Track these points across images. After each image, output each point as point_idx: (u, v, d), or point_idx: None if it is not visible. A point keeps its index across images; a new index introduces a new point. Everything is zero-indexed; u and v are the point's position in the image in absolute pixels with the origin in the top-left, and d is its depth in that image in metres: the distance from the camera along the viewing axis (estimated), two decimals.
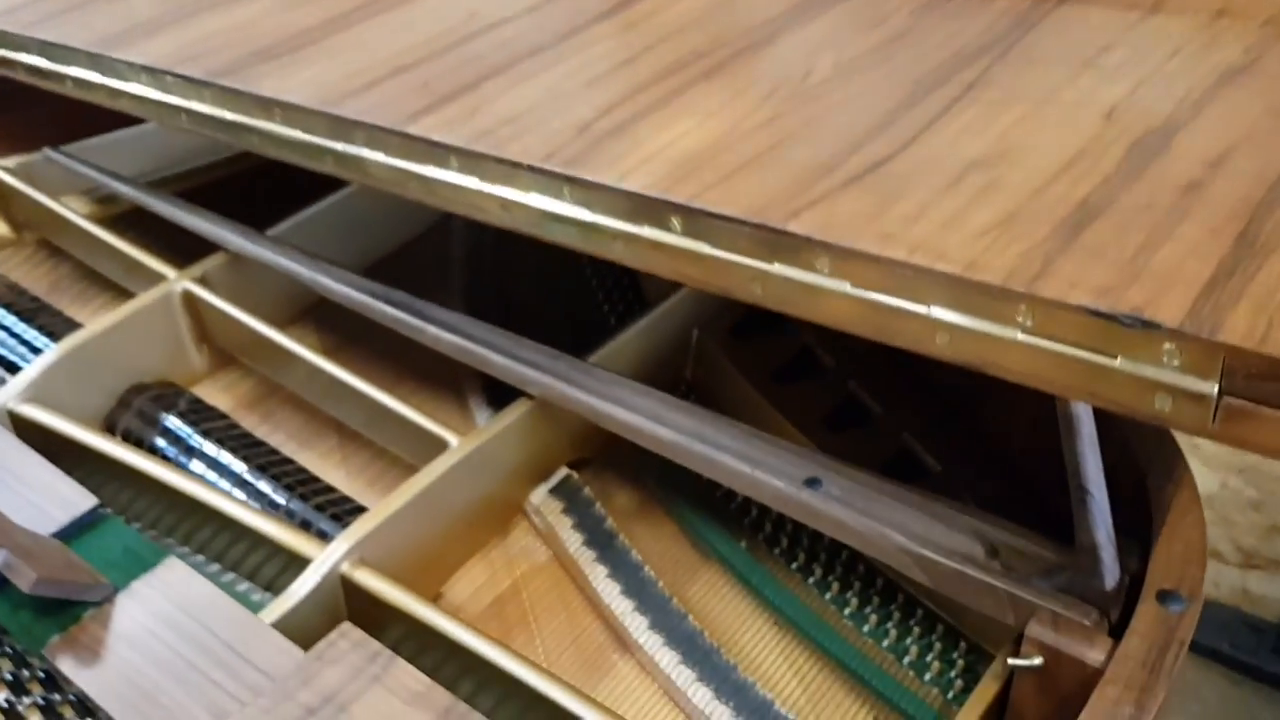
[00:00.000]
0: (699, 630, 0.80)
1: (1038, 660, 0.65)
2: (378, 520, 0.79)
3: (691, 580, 0.87)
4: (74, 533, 0.74)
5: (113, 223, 1.14)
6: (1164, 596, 0.63)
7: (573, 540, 0.88)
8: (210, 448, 0.94)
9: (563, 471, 0.93)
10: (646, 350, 0.97)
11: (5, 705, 0.64)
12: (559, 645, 0.83)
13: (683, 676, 0.78)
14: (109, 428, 0.98)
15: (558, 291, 1.13)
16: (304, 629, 0.71)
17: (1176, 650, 0.61)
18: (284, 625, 0.71)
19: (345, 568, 0.77)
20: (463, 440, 0.86)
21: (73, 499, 0.76)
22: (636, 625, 0.82)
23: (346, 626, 0.67)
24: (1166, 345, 0.49)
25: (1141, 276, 0.53)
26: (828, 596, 0.83)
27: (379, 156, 0.82)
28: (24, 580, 0.65)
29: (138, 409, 0.99)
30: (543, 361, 0.88)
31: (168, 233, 1.11)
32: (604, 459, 0.95)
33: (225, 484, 0.91)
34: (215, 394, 1.05)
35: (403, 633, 0.75)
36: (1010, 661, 0.65)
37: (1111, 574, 0.65)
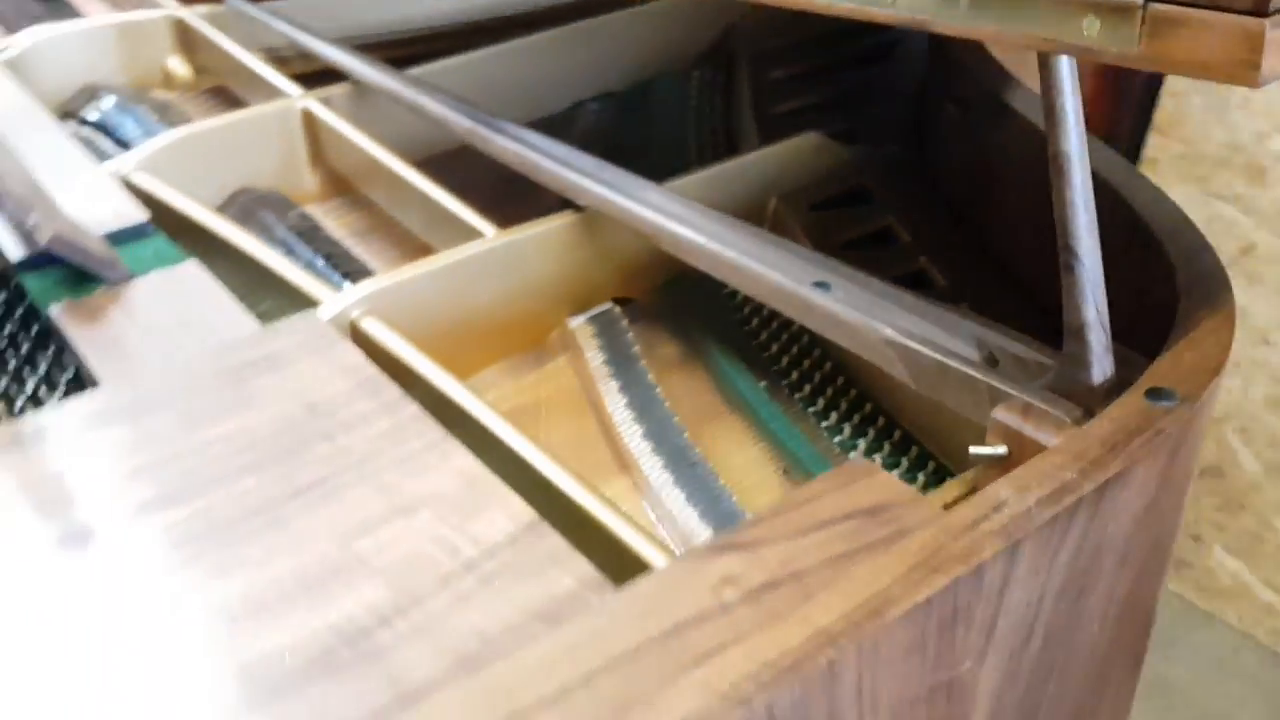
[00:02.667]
0: (703, 463, 0.76)
1: (1002, 449, 0.58)
2: (395, 279, 0.81)
3: (710, 424, 0.84)
4: (120, 239, 0.79)
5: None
6: (1153, 393, 0.55)
7: (600, 367, 0.86)
8: (310, 256, 0.98)
9: (606, 304, 0.92)
10: (719, 199, 0.94)
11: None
12: (560, 453, 0.81)
13: (673, 498, 0.75)
14: None
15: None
16: None
17: (1155, 441, 0.53)
18: None
19: (355, 314, 0.78)
20: (499, 233, 0.86)
21: (128, 212, 0.82)
22: (641, 449, 0.79)
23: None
24: None
25: None
26: (824, 426, 0.79)
27: None
28: (44, 234, 0.70)
29: (243, 206, 1.05)
30: (595, 171, 0.87)
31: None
32: (648, 304, 0.93)
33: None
34: (320, 219, 1.09)
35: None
36: (972, 450, 0.58)
37: (1100, 366, 0.57)
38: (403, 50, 1.32)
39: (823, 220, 0.96)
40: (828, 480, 0.52)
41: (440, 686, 0.44)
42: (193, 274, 0.75)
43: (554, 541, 0.51)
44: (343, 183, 1.12)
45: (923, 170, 1.03)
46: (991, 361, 0.64)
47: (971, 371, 0.61)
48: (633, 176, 0.87)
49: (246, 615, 0.47)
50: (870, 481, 0.52)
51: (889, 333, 0.65)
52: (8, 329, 0.70)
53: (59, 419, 0.59)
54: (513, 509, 0.52)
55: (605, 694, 0.42)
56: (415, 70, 1.15)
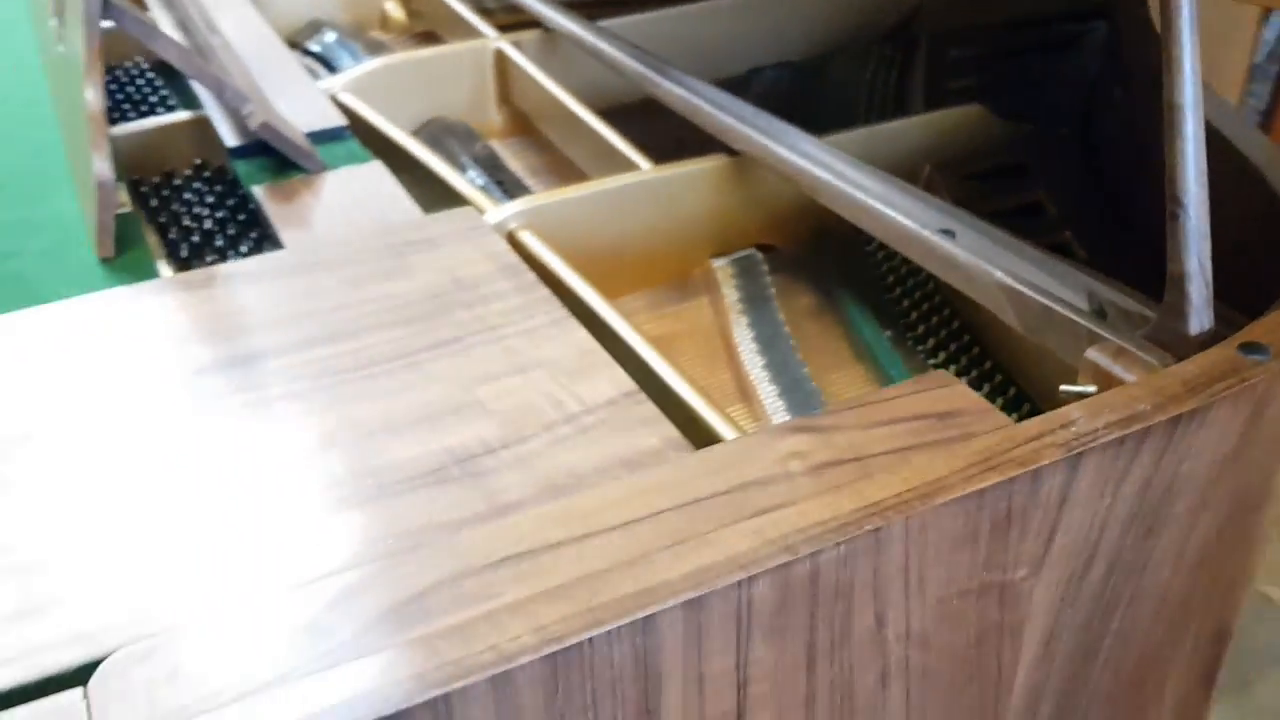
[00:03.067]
0: (818, 393, 0.80)
1: (1091, 388, 0.60)
2: (553, 198, 0.88)
3: (835, 371, 0.87)
4: (320, 139, 0.89)
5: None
6: (1246, 346, 0.57)
7: (734, 304, 0.91)
8: (485, 180, 1.07)
9: (749, 250, 0.97)
10: (873, 158, 0.98)
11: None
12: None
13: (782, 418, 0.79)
14: None
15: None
16: None
17: (1239, 390, 0.54)
18: None
19: (513, 225, 0.86)
20: (654, 168, 0.92)
21: (331, 117, 0.92)
22: (761, 378, 0.84)
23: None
24: None
25: None
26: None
27: None
28: (254, 120, 0.80)
29: (432, 132, 1.15)
30: (752, 118, 0.92)
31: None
32: (790, 254, 0.97)
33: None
34: (500, 151, 1.18)
35: None
36: (1062, 389, 0.61)
37: (1199, 317, 0.59)
38: (595, 9, 1.39)
39: (974, 189, 0.98)
40: (909, 385, 0.56)
41: (529, 506, 0.50)
42: (376, 172, 0.84)
43: (648, 409, 0.56)
44: (525, 123, 1.20)
45: (1084, 152, 1.03)
46: (1100, 313, 0.66)
47: (1073, 316, 0.63)
48: (790, 127, 0.91)
49: (381, 432, 0.55)
50: (949, 391, 0.55)
51: (1000, 276, 0.68)
52: (219, 212, 0.80)
53: (250, 268, 0.68)
54: (617, 378, 0.58)
55: (668, 528, 0.47)
56: (603, 22, 1.22)
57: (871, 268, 0.96)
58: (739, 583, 0.45)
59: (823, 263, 0.97)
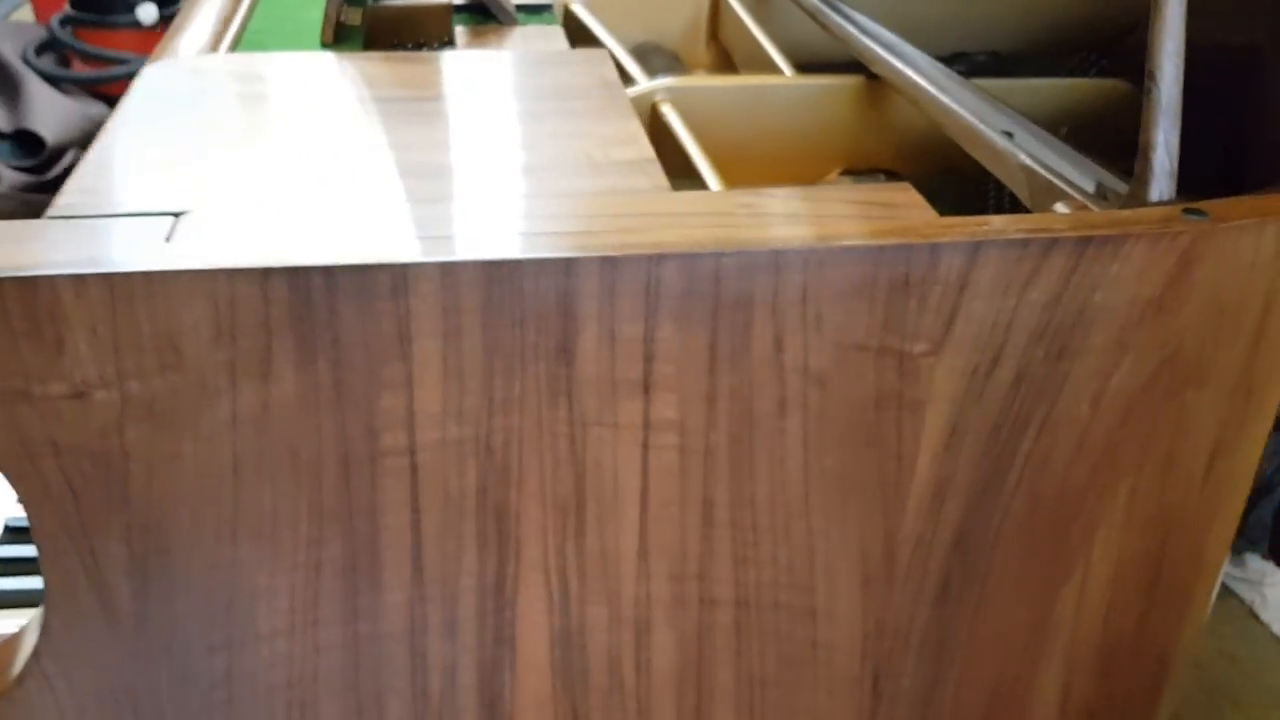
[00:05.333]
0: None
1: None
2: (696, 82, 1.02)
3: None
4: (526, 9, 1.08)
5: None
6: (1189, 210, 0.62)
7: None
8: None
9: (876, 173, 1.07)
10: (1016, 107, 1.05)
11: None
12: None
13: None
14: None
15: None
16: None
17: (1162, 236, 0.61)
18: None
19: (658, 97, 1.01)
20: (797, 75, 1.04)
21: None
22: None
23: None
24: None
25: None
26: None
27: None
28: None
29: (642, 50, 1.32)
30: (897, 45, 1.02)
31: None
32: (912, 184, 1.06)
33: None
34: None
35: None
36: None
37: (1159, 185, 0.65)
38: None
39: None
40: (873, 188, 0.66)
41: None
42: (554, 33, 1.01)
43: (661, 179, 0.69)
44: (728, 64, 1.35)
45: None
46: (1101, 195, 0.72)
47: (1070, 190, 0.70)
48: (937, 64, 1.01)
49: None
50: (900, 191, 0.65)
51: (1023, 158, 0.76)
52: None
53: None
54: (644, 150, 0.72)
55: (616, 212, 0.61)
56: None
57: (983, 210, 1.04)
58: (650, 257, 0.58)
59: (940, 197, 1.05)
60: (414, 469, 0.61)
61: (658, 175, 0.69)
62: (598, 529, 0.65)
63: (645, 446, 0.63)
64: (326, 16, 0.91)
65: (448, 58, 0.86)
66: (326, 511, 0.61)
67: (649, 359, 0.61)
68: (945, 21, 1.39)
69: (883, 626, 0.71)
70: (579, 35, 1.22)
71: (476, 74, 0.84)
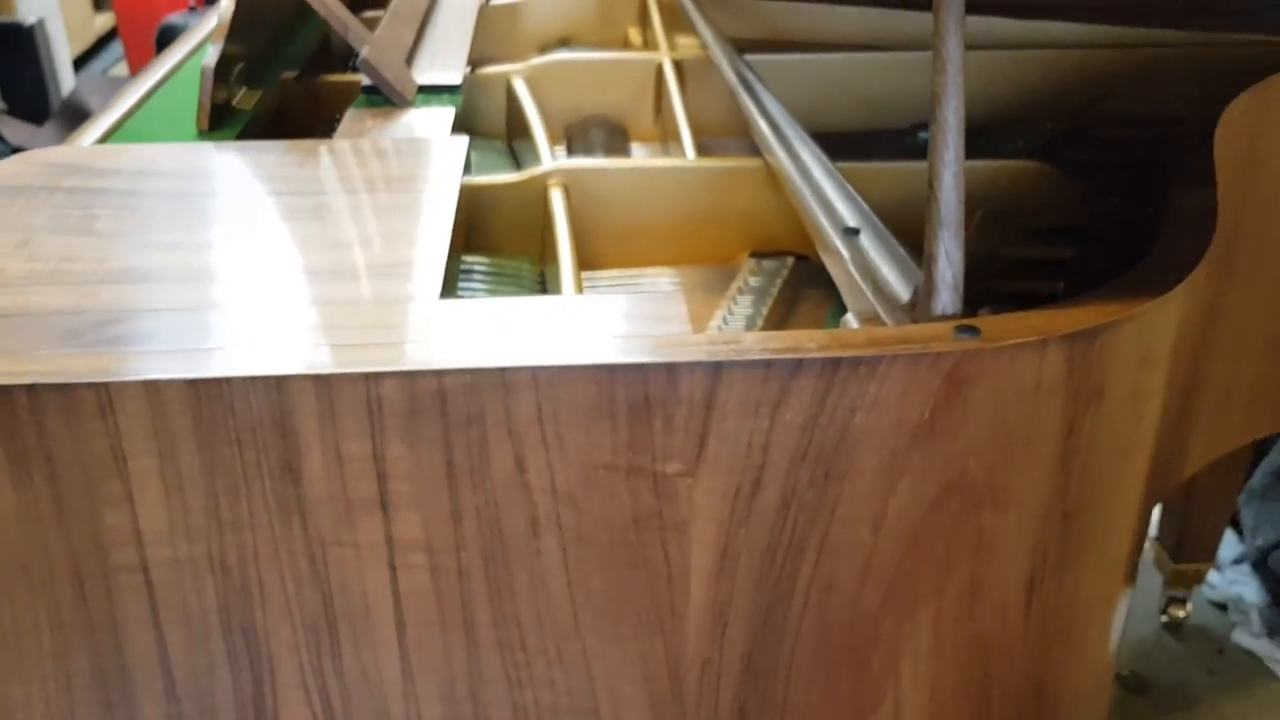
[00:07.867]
0: None
1: None
2: (594, 164, 1.00)
3: None
4: (428, 90, 1.08)
5: None
6: (963, 328, 0.58)
7: (732, 294, 0.98)
8: None
9: (788, 257, 1.03)
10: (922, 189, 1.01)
11: None
12: None
13: None
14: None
15: None
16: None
17: (925, 357, 0.57)
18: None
19: (551, 180, 0.99)
20: (700, 158, 1.02)
21: (453, 76, 1.10)
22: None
23: None
24: None
25: None
26: None
27: None
28: (360, 49, 1.00)
29: (584, 125, 1.31)
30: (786, 125, 0.99)
31: None
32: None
33: None
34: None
35: None
36: None
37: (942, 298, 0.61)
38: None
39: (1019, 237, 0.98)
40: (644, 298, 0.63)
41: None
42: (445, 114, 1.01)
43: (426, 286, 0.68)
44: (674, 134, 1.33)
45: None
46: (913, 304, 0.68)
47: (874, 299, 0.67)
48: (817, 148, 0.97)
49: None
50: (671, 306, 0.62)
51: (846, 259, 0.72)
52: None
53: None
54: (416, 254, 0.70)
55: (332, 325, 0.59)
56: (780, 56, 1.31)
57: None
58: (367, 375, 0.56)
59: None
60: (149, 585, 0.60)
61: (423, 281, 0.67)
62: (354, 649, 0.63)
63: (392, 567, 0.61)
64: (200, 104, 0.92)
65: (277, 148, 0.86)
66: (67, 625, 0.61)
67: (382, 478, 0.59)
68: (906, 93, 1.34)
69: None
70: (515, 111, 1.22)
71: (293, 166, 0.83)
